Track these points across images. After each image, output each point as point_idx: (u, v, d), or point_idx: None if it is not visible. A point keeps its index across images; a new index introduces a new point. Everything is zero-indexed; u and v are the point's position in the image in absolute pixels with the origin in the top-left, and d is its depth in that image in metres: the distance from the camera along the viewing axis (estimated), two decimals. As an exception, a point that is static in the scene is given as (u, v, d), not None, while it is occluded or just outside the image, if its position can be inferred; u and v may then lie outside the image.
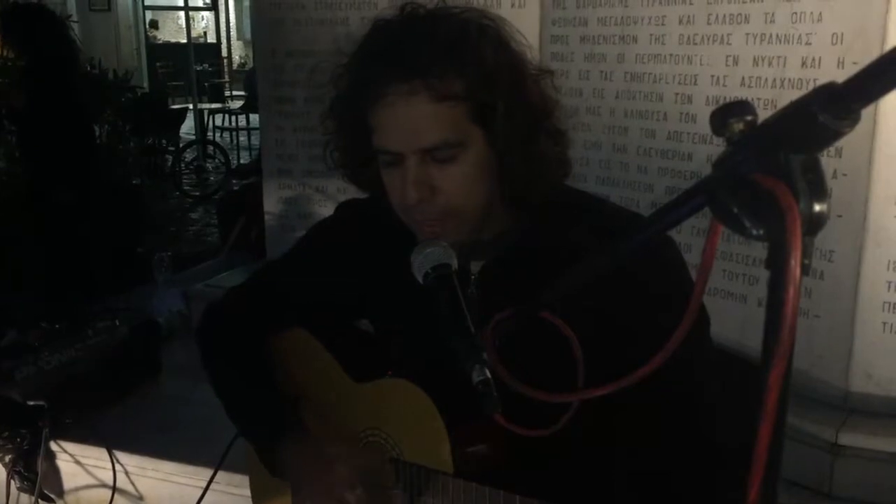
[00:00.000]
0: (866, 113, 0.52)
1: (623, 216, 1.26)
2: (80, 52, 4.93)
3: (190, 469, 2.41)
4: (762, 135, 0.54)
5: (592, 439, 1.17)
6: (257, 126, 5.71)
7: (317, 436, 1.31)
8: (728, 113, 0.56)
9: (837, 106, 0.49)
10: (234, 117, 12.37)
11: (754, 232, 0.52)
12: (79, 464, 2.54)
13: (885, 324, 2.29)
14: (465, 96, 1.10)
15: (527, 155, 1.15)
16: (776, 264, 0.49)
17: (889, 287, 2.27)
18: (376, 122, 1.15)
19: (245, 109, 12.03)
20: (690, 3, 2.60)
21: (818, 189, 0.51)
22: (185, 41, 12.52)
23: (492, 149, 1.15)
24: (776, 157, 0.51)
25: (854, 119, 0.50)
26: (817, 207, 0.51)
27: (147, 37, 16.46)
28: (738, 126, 0.55)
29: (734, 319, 2.53)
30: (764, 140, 0.54)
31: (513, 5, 3.02)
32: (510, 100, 1.13)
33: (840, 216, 2.27)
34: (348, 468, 1.21)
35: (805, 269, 0.49)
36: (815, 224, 0.51)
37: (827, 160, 2.51)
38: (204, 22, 19.40)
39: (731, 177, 0.54)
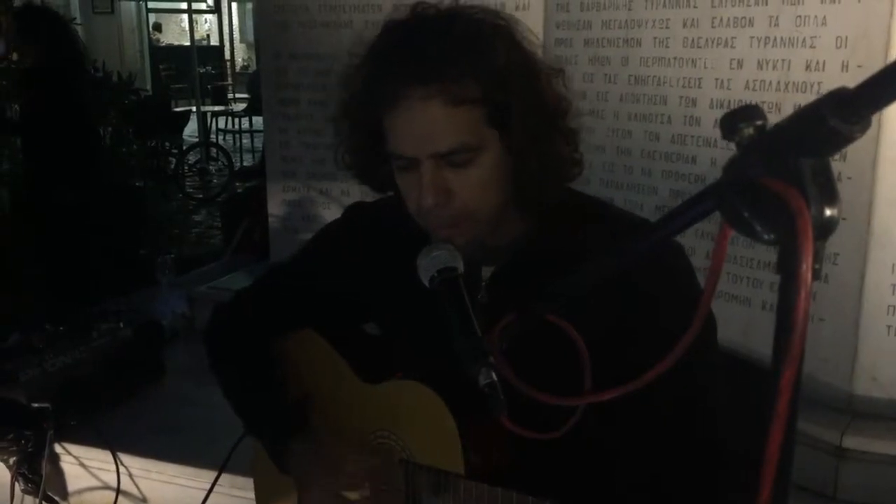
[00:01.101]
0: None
1: (632, 221, 1.26)
2: (85, 55, 4.94)
3: (194, 471, 2.41)
4: (772, 139, 0.54)
5: (599, 442, 1.17)
6: (260, 128, 5.71)
7: (325, 435, 1.31)
8: (738, 117, 0.56)
9: (848, 111, 0.49)
10: (237, 120, 12.38)
11: (765, 236, 0.52)
12: (83, 466, 2.54)
13: (889, 327, 2.29)
14: (480, 99, 1.10)
15: (542, 156, 1.15)
16: (787, 269, 0.49)
17: (894, 290, 2.27)
18: (391, 127, 1.14)
19: (248, 112, 12.05)
20: (694, 7, 2.60)
21: (829, 193, 0.51)
22: (188, 44, 12.54)
23: (507, 151, 1.14)
24: (786, 161, 0.51)
25: (865, 124, 0.50)
26: (828, 211, 0.51)
27: (150, 39, 16.48)
28: (748, 130, 0.55)
29: (738, 322, 2.53)
30: (774, 144, 0.54)
31: (517, 8, 3.03)
32: (525, 101, 1.12)
33: (844, 219, 2.26)
34: (355, 469, 1.21)
35: (816, 274, 0.49)
36: (825, 228, 0.51)
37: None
38: (207, 25, 19.42)
39: (742, 181, 0.54)
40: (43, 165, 4.53)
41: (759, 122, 0.55)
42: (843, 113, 0.49)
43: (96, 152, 4.96)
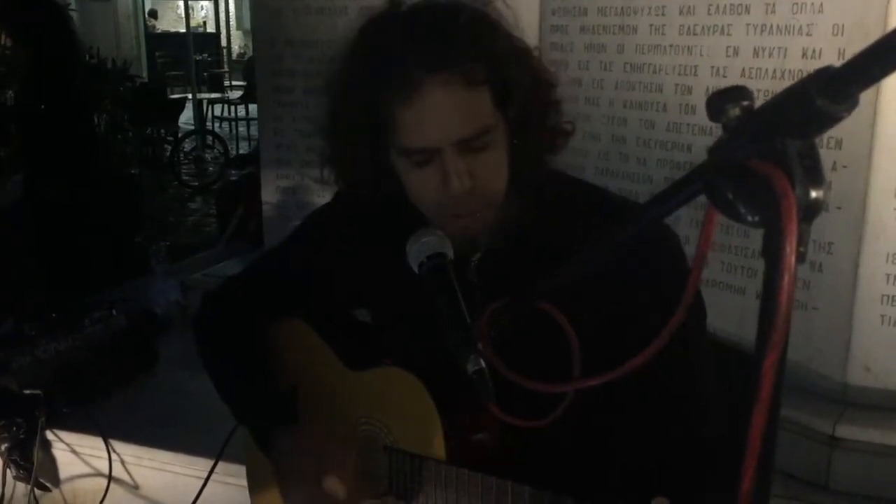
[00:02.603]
0: (867, 104, 0.51)
1: (626, 206, 1.26)
2: (81, 43, 4.90)
3: (186, 458, 2.41)
4: (759, 120, 0.53)
5: (588, 431, 1.16)
6: (256, 116, 5.69)
7: (310, 426, 1.30)
8: (725, 98, 0.55)
9: (835, 90, 0.48)
10: (233, 107, 12.34)
11: (749, 218, 0.52)
12: (75, 453, 2.54)
13: (883, 316, 2.28)
14: (488, 81, 1.11)
15: (540, 130, 1.18)
16: (771, 251, 0.48)
17: (888, 280, 2.27)
18: (408, 120, 1.11)
19: (244, 99, 12.00)
20: (691, -6, 2.58)
21: (815, 175, 0.50)
22: (184, 31, 12.49)
23: (509, 129, 1.16)
24: (772, 143, 0.50)
25: (852, 103, 0.49)
26: (814, 194, 0.50)
27: (146, 26, 16.42)
28: (735, 111, 0.54)
29: (733, 311, 2.52)
30: (760, 125, 0.53)
31: (512, -6, 3.01)
32: (526, 80, 1.15)
33: (839, 208, 2.27)
34: (339, 461, 1.20)
35: (801, 257, 0.49)
36: (811, 210, 0.50)
37: (826, 152, 2.50)
38: (203, 11, 19.34)
39: (727, 163, 0.53)
40: (38, 154, 4.51)
41: (745, 103, 0.54)
42: (830, 92, 0.48)
43: (92, 141, 4.93)
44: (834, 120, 0.49)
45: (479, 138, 1.11)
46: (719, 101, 0.55)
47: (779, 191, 0.48)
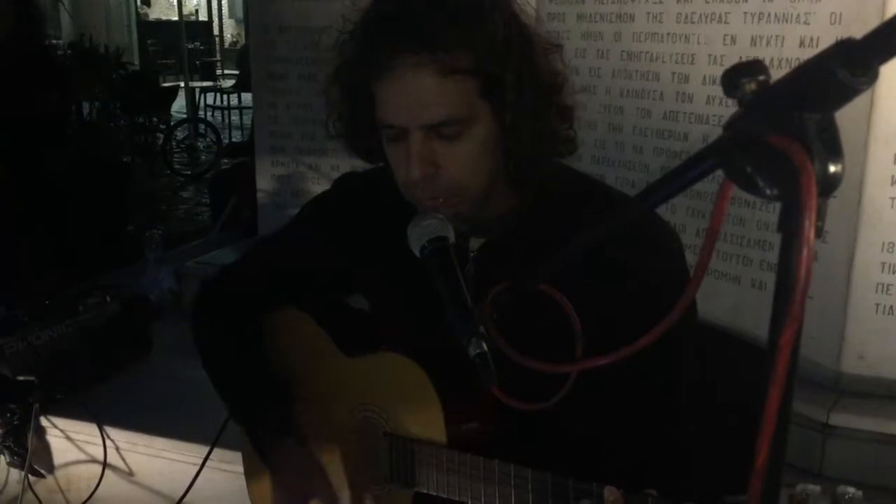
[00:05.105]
0: (862, 94, 0.51)
1: (624, 199, 1.25)
2: (41, 22, 4.79)
3: (180, 445, 2.40)
4: (775, 94, 0.53)
5: (586, 415, 1.16)
6: (249, 105, 5.65)
7: (308, 448, 1.31)
8: (740, 73, 0.55)
9: (856, 62, 0.48)
10: (225, 96, 12.27)
11: (769, 192, 0.51)
12: (69, 439, 2.53)
13: (877, 305, 2.29)
14: (473, 70, 1.07)
15: (535, 132, 1.13)
16: (789, 225, 0.48)
17: (882, 268, 2.28)
18: (381, 95, 1.11)
19: (237, 88, 11.93)
20: (689, -18, 2.58)
21: (833, 149, 0.50)
22: (176, 18, 12.40)
23: (498, 125, 1.12)
24: (790, 117, 0.50)
25: (872, 76, 0.48)
26: (832, 168, 0.50)
27: (138, 13, 16.30)
28: (751, 86, 0.54)
29: (727, 300, 2.53)
30: (778, 99, 0.52)
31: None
32: (520, 75, 1.10)
33: (835, 197, 2.26)
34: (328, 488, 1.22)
35: (818, 232, 0.48)
36: (829, 184, 0.50)
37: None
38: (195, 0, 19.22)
39: (745, 137, 0.52)
40: (13, 140, 4.44)
41: (761, 78, 0.54)
42: (851, 64, 0.48)
43: (64, 123, 4.84)
44: (854, 92, 0.49)
45: (449, 126, 1.09)
46: (735, 76, 0.54)
47: (798, 165, 0.48)
